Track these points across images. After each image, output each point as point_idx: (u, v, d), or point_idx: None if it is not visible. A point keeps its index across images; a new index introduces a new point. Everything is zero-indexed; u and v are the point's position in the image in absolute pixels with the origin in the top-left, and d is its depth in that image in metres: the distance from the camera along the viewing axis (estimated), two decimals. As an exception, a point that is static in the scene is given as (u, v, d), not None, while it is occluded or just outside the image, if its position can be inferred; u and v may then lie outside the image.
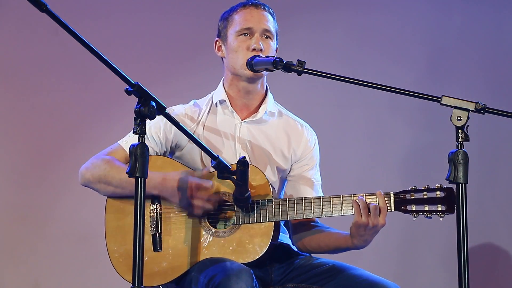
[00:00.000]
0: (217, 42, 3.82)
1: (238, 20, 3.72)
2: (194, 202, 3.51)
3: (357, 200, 3.43)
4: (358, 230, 3.48)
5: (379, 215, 3.42)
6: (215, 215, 3.59)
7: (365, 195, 3.47)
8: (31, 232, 5.60)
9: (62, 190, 5.36)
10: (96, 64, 2.89)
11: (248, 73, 3.66)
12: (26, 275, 5.61)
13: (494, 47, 5.76)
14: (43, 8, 2.87)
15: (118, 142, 3.71)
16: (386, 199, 3.44)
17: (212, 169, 3.45)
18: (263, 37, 3.70)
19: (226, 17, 3.80)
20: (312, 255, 3.81)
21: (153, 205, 3.58)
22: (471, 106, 3.08)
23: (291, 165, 3.82)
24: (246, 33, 3.70)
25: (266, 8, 3.76)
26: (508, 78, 5.71)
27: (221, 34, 3.80)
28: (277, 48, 3.79)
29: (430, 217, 3.43)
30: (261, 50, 3.65)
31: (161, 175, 3.55)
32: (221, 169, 3.36)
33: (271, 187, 3.58)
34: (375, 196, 3.45)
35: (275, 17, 3.79)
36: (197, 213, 3.53)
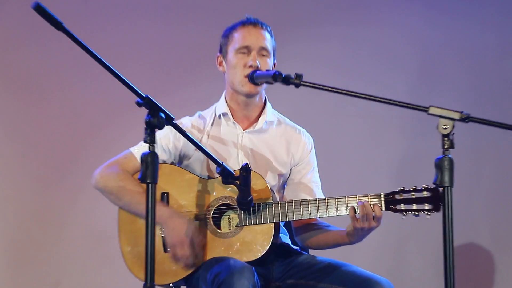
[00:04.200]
0: (219, 58, 3.82)
1: (237, 38, 3.72)
2: (179, 252, 3.51)
3: (358, 204, 3.42)
4: (355, 230, 3.49)
5: (373, 219, 3.44)
6: (220, 217, 3.60)
7: (358, 197, 3.47)
8: (51, 234, 5.60)
9: (78, 195, 5.37)
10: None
11: (245, 89, 3.68)
12: (47, 274, 5.61)
13: (479, 59, 5.75)
14: (59, 26, 2.89)
15: (130, 149, 3.71)
16: (377, 200, 3.46)
17: (217, 175, 3.45)
18: (260, 54, 3.70)
19: (227, 35, 3.80)
20: (310, 252, 3.82)
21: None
22: (456, 116, 3.07)
23: (291, 169, 3.82)
24: (244, 51, 3.70)
25: (264, 27, 3.76)
26: (491, 87, 5.70)
27: (222, 50, 3.80)
28: (274, 63, 3.79)
29: (418, 215, 3.43)
30: (257, 67, 3.64)
31: (167, 209, 3.56)
32: (225, 175, 3.37)
33: (271, 191, 3.59)
34: (367, 197, 3.46)
35: (272, 34, 3.78)
36: (175, 260, 3.53)
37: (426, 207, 3.42)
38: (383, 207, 3.45)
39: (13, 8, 5.62)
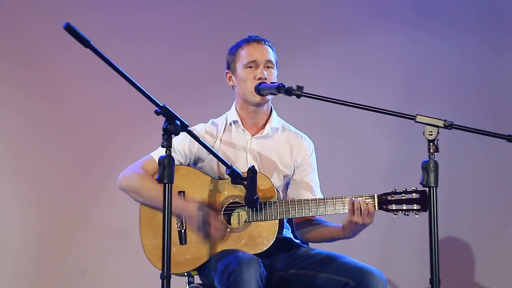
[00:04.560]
0: (228, 73, 3.80)
1: (245, 55, 3.71)
2: (212, 224, 3.54)
3: (354, 203, 3.41)
4: (350, 225, 3.47)
5: (367, 215, 3.42)
6: (230, 214, 3.59)
7: (353, 197, 3.45)
8: (77, 228, 5.59)
9: (101, 194, 5.36)
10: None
11: (256, 99, 3.67)
12: (74, 264, 5.61)
13: (457, 75, 5.78)
14: (87, 44, 2.88)
15: (151, 154, 3.72)
16: (370, 200, 3.44)
17: (227, 176, 3.44)
18: (266, 67, 3.69)
19: (233, 53, 3.78)
20: (310, 245, 3.80)
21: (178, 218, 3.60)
22: (440, 123, 3.08)
23: (294, 170, 3.80)
24: (252, 66, 3.69)
25: (266, 42, 3.75)
26: (471, 98, 5.71)
27: (231, 67, 3.78)
28: (277, 74, 3.78)
29: (408, 215, 3.42)
30: (265, 78, 3.64)
31: (182, 200, 3.58)
32: (234, 176, 3.37)
33: (276, 190, 3.57)
34: (362, 197, 3.44)
35: (274, 48, 3.78)
36: (205, 236, 3.55)
37: (415, 208, 3.40)
38: (376, 207, 3.43)
39: (46, 18, 5.65)
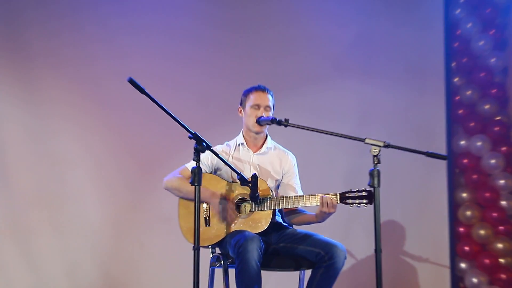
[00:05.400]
0: (239, 108, 3.78)
1: (252, 99, 3.68)
2: (223, 213, 3.53)
3: (324, 198, 3.40)
4: (321, 214, 3.46)
5: (332, 207, 3.40)
6: (239, 205, 3.56)
7: (323, 194, 3.43)
8: (139, 214, 5.56)
9: (155, 191, 5.30)
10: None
11: (256, 129, 3.66)
12: (136, 239, 5.57)
13: (393, 109, 5.77)
14: (143, 92, 2.87)
15: (185, 164, 3.69)
16: (334, 196, 3.40)
17: (237, 180, 3.42)
18: (265, 109, 3.67)
19: (246, 94, 3.74)
20: (294, 227, 3.77)
21: (206, 204, 3.57)
22: (381, 144, 3.09)
23: (282, 176, 3.78)
24: (256, 107, 3.67)
25: (267, 91, 3.72)
26: (401, 126, 5.69)
27: (242, 104, 3.75)
28: (273, 113, 3.74)
29: (359, 206, 3.39)
30: None
31: (210, 191, 3.54)
32: (243, 180, 3.37)
33: (270, 190, 3.56)
34: (328, 195, 3.42)
35: (273, 95, 3.75)
36: (222, 219, 3.53)
37: (364, 201, 3.38)
38: (338, 201, 3.41)
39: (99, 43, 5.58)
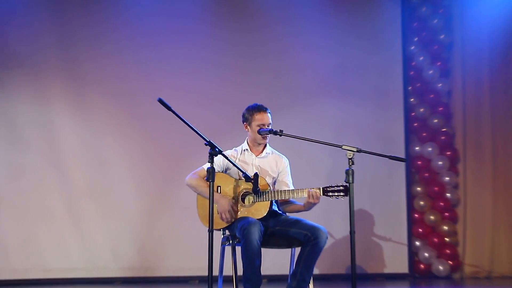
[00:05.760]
0: (245, 124, 3.65)
1: (258, 118, 3.56)
2: (223, 215, 3.42)
3: (310, 191, 3.35)
4: (307, 204, 3.41)
5: (317, 198, 3.35)
6: (244, 197, 3.51)
7: (310, 188, 3.38)
8: (165, 204, 5.53)
9: (179, 186, 5.23)
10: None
11: (260, 141, 3.62)
12: (163, 223, 5.54)
13: (365, 123, 5.76)
14: (169, 109, 2.83)
15: (202, 166, 3.62)
16: (318, 190, 3.36)
17: (243, 178, 3.38)
18: (267, 126, 3.57)
19: (251, 114, 3.58)
20: (287, 214, 3.72)
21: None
22: (355, 149, 3.07)
23: (278, 174, 3.72)
24: (261, 126, 3.57)
25: (268, 110, 3.61)
26: (371, 135, 5.66)
27: (247, 121, 3.61)
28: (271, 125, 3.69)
29: (338, 198, 3.34)
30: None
31: (219, 196, 3.44)
32: (247, 178, 3.33)
33: (269, 185, 3.51)
34: (314, 189, 3.36)
35: (271, 112, 3.64)
36: (222, 219, 3.42)
37: (342, 194, 3.32)
38: (321, 194, 3.36)
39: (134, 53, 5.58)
